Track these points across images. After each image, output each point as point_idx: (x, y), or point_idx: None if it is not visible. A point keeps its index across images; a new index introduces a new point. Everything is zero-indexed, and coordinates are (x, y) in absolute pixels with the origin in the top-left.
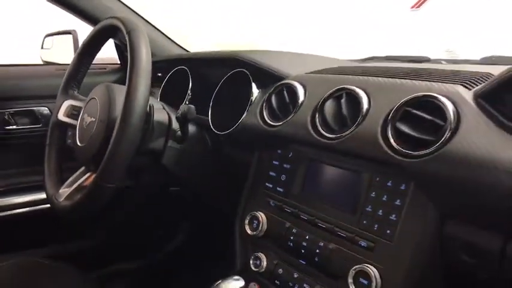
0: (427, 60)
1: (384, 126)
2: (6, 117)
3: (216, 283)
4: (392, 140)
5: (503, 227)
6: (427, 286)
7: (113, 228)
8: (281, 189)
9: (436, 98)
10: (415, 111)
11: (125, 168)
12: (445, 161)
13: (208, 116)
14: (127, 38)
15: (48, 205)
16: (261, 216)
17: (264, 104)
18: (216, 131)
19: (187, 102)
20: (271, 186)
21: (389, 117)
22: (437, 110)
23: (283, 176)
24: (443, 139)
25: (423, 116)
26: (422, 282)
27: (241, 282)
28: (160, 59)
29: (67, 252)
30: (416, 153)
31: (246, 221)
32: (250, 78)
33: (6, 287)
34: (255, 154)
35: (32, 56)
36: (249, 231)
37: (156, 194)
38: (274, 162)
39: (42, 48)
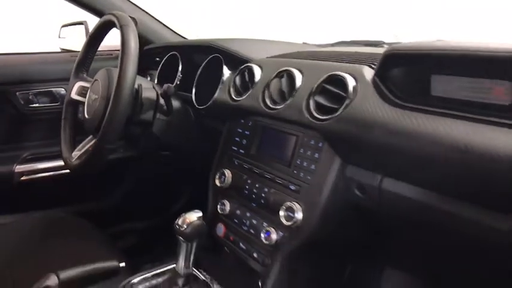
0: (382, 43)
1: (308, 98)
2: (30, 97)
3: (180, 215)
4: (312, 109)
5: (379, 168)
6: (336, 216)
7: (124, 193)
8: (242, 151)
9: (342, 76)
10: (328, 86)
11: (119, 132)
12: (342, 123)
13: (192, 93)
14: (120, 32)
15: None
16: (228, 172)
17: (231, 83)
18: (197, 106)
19: (177, 82)
20: (235, 149)
21: (312, 92)
22: (343, 85)
23: (244, 140)
24: (343, 107)
25: (332, 90)
26: (332, 213)
27: (199, 214)
28: (157, 46)
29: (85, 211)
30: (325, 117)
31: (217, 176)
32: (223, 61)
33: (32, 236)
34: (226, 124)
35: None
36: (218, 184)
37: (160, 164)
38: (238, 129)
39: (59, 37)
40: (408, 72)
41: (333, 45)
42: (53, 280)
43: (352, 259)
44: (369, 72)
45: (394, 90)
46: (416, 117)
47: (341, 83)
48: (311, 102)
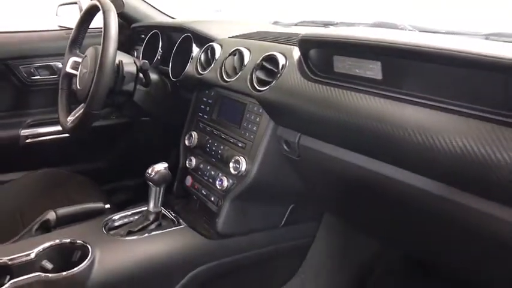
0: (334, 24)
1: (252, 73)
2: (31, 70)
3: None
4: (254, 82)
5: (297, 128)
6: (271, 166)
7: (117, 154)
8: (206, 116)
9: (275, 55)
10: (265, 63)
11: (103, 101)
12: (272, 93)
13: (169, 67)
14: (102, 16)
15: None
16: (194, 134)
17: (198, 59)
18: (172, 78)
19: (158, 57)
20: (201, 114)
21: (255, 67)
22: (276, 62)
23: (208, 107)
24: (274, 80)
25: (268, 66)
26: (268, 164)
27: (165, 165)
28: (142, 25)
29: (83, 170)
30: (262, 88)
31: (186, 137)
32: (192, 40)
33: (37, 188)
34: (194, 94)
35: None
36: (187, 143)
37: (147, 129)
38: (203, 98)
39: (56, 15)
40: (318, 53)
41: (296, 24)
42: (51, 215)
43: (293, 201)
44: (297, 52)
45: (311, 67)
46: (322, 88)
47: (275, 60)
48: (254, 76)
